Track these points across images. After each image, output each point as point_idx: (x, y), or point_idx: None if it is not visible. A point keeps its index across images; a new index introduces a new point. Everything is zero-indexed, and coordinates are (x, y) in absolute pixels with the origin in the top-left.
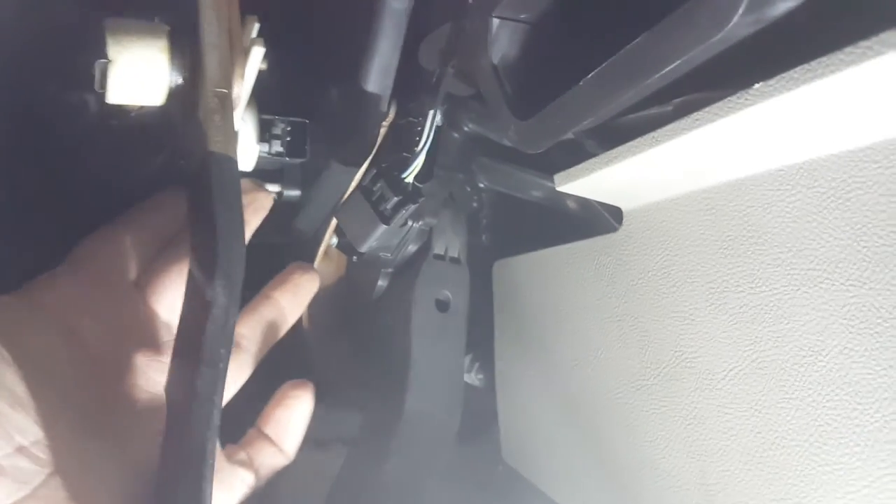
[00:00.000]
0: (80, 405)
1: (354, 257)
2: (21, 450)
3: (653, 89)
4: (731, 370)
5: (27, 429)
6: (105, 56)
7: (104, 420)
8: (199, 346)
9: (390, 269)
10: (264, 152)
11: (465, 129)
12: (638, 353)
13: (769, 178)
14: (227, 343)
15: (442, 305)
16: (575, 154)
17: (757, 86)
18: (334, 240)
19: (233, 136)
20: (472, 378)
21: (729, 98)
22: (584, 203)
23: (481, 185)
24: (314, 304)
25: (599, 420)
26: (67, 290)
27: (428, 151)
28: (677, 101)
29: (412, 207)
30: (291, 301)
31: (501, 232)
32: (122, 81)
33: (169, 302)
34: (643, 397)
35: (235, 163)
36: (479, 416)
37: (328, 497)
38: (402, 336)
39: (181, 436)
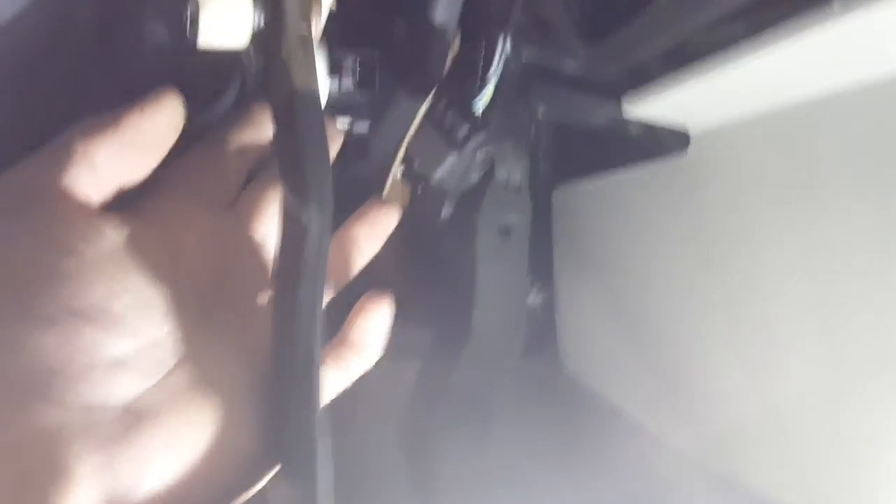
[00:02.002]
0: (194, 307)
1: (419, 187)
2: (152, 343)
3: (733, 4)
4: (799, 292)
5: (150, 329)
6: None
7: (216, 321)
8: (298, 266)
9: (454, 197)
10: (335, 86)
11: (524, 55)
12: (704, 277)
13: (843, 99)
14: (322, 262)
15: (505, 231)
16: (639, 77)
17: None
18: (400, 170)
19: (314, 72)
20: (533, 299)
21: (806, 14)
22: (649, 128)
23: (541, 111)
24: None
25: (662, 335)
26: (172, 210)
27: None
28: (752, 17)
29: (481, 136)
30: (369, 235)
31: (561, 159)
32: (211, 26)
33: (263, 225)
34: (708, 316)
35: (319, 97)
36: (539, 334)
37: (407, 404)
38: (467, 261)
39: (290, 345)
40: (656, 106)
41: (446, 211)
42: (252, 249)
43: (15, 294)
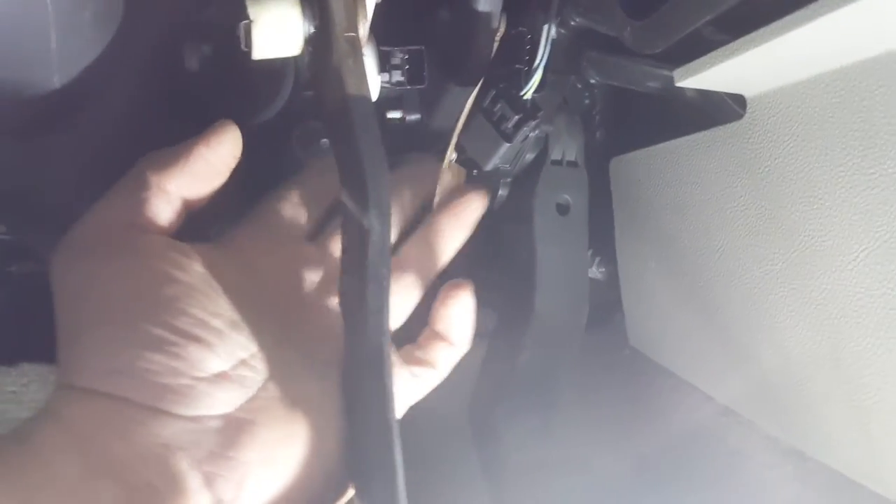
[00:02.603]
0: (275, 328)
1: (475, 171)
2: (243, 362)
3: None
4: (862, 251)
5: (244, 345)
6: (246, 17)
7: (295, 341)
8: (364, 268)
9: (509, 179)
10: (385, 83)
11: (573, 23)
12: (765, 240)
13: None
14: (386, 263)
15: (562, 209)
16: (693, 45)
17: None
18: (454, 155)
19: (364, 76)
20: (595, 272)
21: None
22: (705, 92)
23: (592, 81)
24: None
25: (726, 303)
26: (252, 239)
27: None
28: None
29: (533, 123)
30: (456, 225)
31: (616, 127)
32: (264, 38)
33: (335, 253)
34: (771, 281)
35: (371, 101)
36: (603, 307)
37: (475, 386)
38: (526, 241)
39: (360, 341)
40: (709, 77)
41: (502, 192)
42: (327, 277)
43: (123, 321)
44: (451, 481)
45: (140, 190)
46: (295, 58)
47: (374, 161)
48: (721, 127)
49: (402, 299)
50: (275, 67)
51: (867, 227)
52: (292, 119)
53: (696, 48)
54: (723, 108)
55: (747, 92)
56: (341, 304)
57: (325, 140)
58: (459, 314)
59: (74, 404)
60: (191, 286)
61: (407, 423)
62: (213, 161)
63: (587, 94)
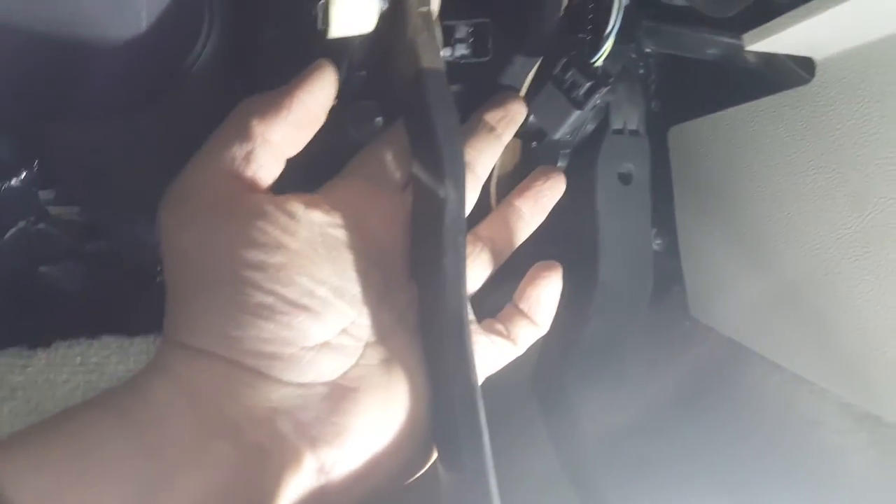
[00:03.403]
0: (373, 286)
1: (533, 143)
2: (344, 331)
3: None
4: None
5: (347, 313)
6: None
7: (388, 297)
8: (440, 236)
9: (568, 150)
10: (449, 56)
11: None
12: (836, 205)
13: None
14: (462, 231)
15: (625, 178)
16: (760, 9)
17: None
18: None
19: (438, 49)
20: (653, 244)
21: None
22: (769, 58)
23: (647, 50)
24: (498, 192)
25: (795, 270)
26: (354, 192)
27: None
28: None
29: (604, 90)
30: (533, 207)
31: (671, 97)
32: (342, 16)
33: None
34: (843, 247)
35: (444, 74)
36: (661, 279)
37: (540, 356)
38: (588, 212)
39: (439, 309)
40: (780, 40)
41: (561, 163)
42: None
43: (237, 286)
44: (520, 451)
45: (245, 141)
46: (348, 38)
47: (449, 131)
48: (788, 91)
49: (477, 273)
50: (332, 48)
51: None
52: (346, 99)
53: (763, 13)
54: (788, 73)
55: (817, 55)
56: (416, 272)
57: (379, 119)
58: (547, 295)
59: (188, 362)
60: (299, 253)
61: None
62: (313, 106)
63: (642, 63)
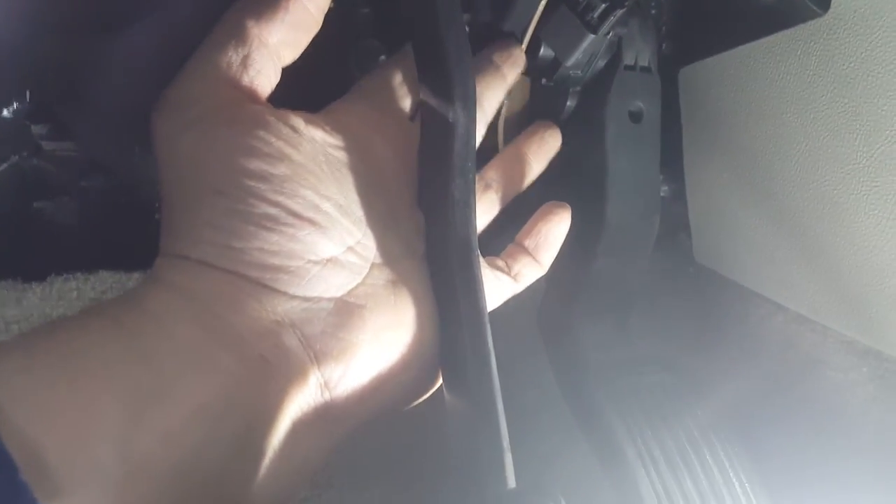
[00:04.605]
0: (378, 211)
1: (543, 80)
2: (350, 248)
3: None
4: None
5: (352, 231)
6: None
7: (394, 224)
8: (449, 161)
9: (578, 88)
10: None
11: None
12: (848, 139)
13: None
14: (471, 156)
15: (635, 117)
16: None
17: None
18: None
19: None
20: (661, 188)
21: None
22: None
23: None
24: (506, 131)
25: (802, 209)
26: (358, 116)
27: None
28: None
29: (620, 12)
30: (537, 153)
31: (685, 37)
32: None
33: None
34: (853, 181)
35: None
36: (667, 225)
37: (545, 293)
38: (598, 151)
39: (448, 234)
40: None
41: (571, 102)
42: None
43: (240, 196)
44: (525, 386)
45: (241, 44)
46: None
47: (460, 52)
48: (801, 26)
49: (482, 214)
50: None
51: None
52: (349, 38)
53: None
54: (801, 8)
55: None
56: (423, 201)
57: (383, 57)
58: (554, 234)
59: (188, 274)
60: (302, 166)
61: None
62: (310, 6)
63: (654, 2)
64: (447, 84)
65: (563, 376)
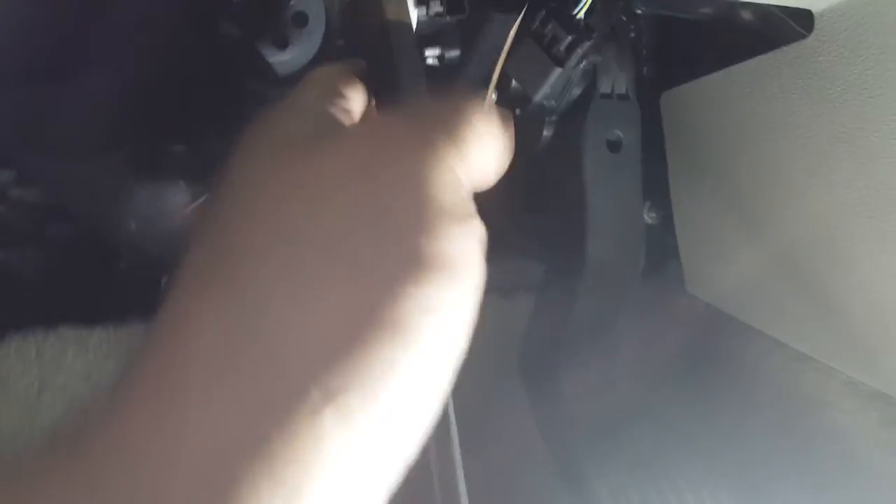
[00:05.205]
0: None
1: (517, 110)
2: None
3: None
4: None
5: None
6: None
7: None
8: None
9: (554, 117)
10: (423, 15)
11: None
12: (840, 167)
13: None
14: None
15: (614, 146)
16: None
17: None
18: (494, 96)
19: (404, 3)
20: (646, 217)
21: None
22: (764, 13)
23: (638, 12)
24: None
25: (797, 240)
26: None
27: None
28: None
29: (587, 45)
30: None
31: (666, 60)
32: None
33: None
34: (848, 211)
35: (411, 28)
36: (657, 254)
37: (525, 334)
38: (575, 182)
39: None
40: None
41: (548, 132)
42: None
43: None
44: (507, 440)
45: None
46: (326, 5)
47: (415, 88)
48: (785, 48)
49: None
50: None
51: None
52: None
53: None
54: (785, 29)
55: (816, 6)
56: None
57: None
58: None
59: None
60: None
61: (456, 381)
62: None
63: (633, 26)
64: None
65: (546, 432)
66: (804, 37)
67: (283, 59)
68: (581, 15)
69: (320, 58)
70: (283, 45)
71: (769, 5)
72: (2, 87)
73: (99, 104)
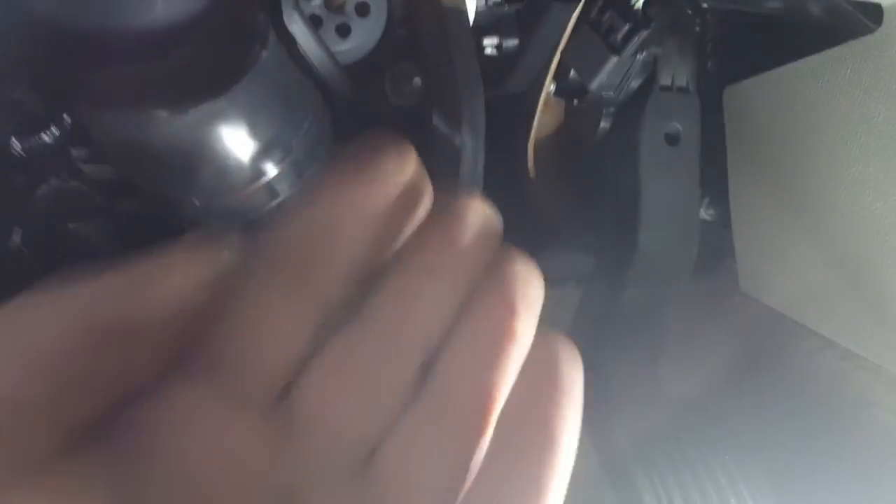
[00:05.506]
0: None
1: (575, 101)
2: None
3: None
4: None
5: None
6: None
7: None
8: (456, 187)
9: (612, 109)
10: (481, 4)
11: None
12: None
13: None
14: (478, 181)
15: (672, 139)
16: None
17: None
18: (552, 86)
19: None
20: (703, 213)
21: None
22: (831, 6)
23: (704, 6)
24: (538, 155)
25: (856, 240)
26: None
27: None
28: None
29: (644, 34)
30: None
31: (731, 55)
32: None
33: None
34: None
35: (467, 14)
36: (713, 251)
37: (572, 325)
38: (631, 175)
39: None
40: None
41: (605, 123)
42: None
43: None
44: None
45: None
46: None
47: (469, 75)
48: (852, 42)
49: None
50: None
51: None
52: (385, 61)
53: None
54: (853, 23)
55: None
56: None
57: (417, 79)
58: None
59: None
60: None
61: None
62: None
63: (698, 20)
64: (455, 107)
65: (589, 422)
66: (872, 30)
67: (344, 48)
68: (639, 5)
69: (381, 48)
70: (345, 34)
71: None
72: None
73: None
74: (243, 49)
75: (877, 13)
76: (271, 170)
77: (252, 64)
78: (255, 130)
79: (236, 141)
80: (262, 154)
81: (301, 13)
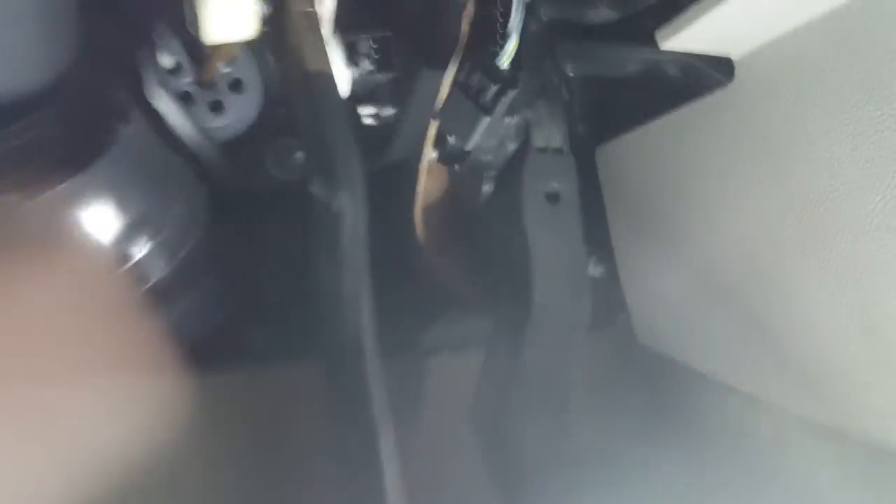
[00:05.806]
0: None
1: (456, 166)
2: None
3: None
4: (879, 200)
5: None
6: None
7: None
8: (337, 255)
9: (493, 172)
10: (355, 74)
11: (543, 17)
12: (773, 205)
13: None
14: (362, 249)
15: (552, 197)
16: (668, 10)
17: None
18: (433, 153)
19: (325, 53)
20: (592, 270)
21: None
22: (686, 64)
23: (570, 74)
24: (425, 221)
25: (740, 281)
26: None
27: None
28: None
29: (512, 94)
30: None
31: (599, 117)
32: (215, 18)
33: None
34: (786, 249)
35: (334, 79)
36: (606, 307)
37: (475, 395)
38: (518, 235)
39: (337, 331)
40: (694, 35)
41: (487, 186)
42: None
43: None
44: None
45: None
46: (262, 71)
47: (342, 140)
48: (710, 95)
49: None
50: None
51: (881, 173)
52: (266, 136)
53: (678, 8)
54: (707, 78)
55: (734, 52)
56: (317, 296)
57: (300, 154)
58: None
59: None
60: None
61: (406, 439)
62: None
63: (566, 88)
64: (331, 171)
65: (500, 483)
66: (725, 84)
67: (220, 125)
68: (506, 65)
69: (261, 124)
70: (219, 110)
71: (690, 56)
72: None
73: None
74: (101, 126)
75: (728, 67)
76: (138, 252)
77: (112, 142)
78: (118, 210)
79: (95, 224)
80: (127, 235)
81: (168, 89)
